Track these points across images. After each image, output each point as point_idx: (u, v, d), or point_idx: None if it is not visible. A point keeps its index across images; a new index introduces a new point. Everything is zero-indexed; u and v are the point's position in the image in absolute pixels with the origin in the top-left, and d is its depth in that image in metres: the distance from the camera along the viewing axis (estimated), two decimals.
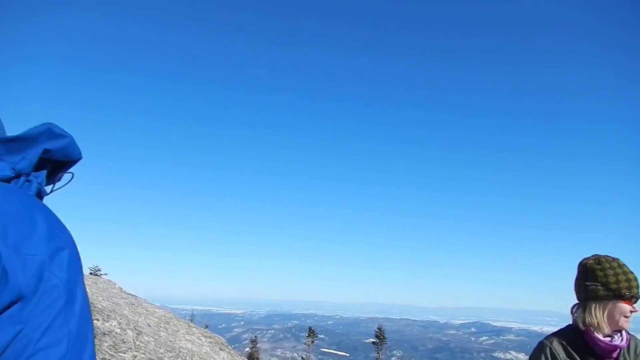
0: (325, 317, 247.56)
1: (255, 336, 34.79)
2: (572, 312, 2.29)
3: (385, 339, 23.35)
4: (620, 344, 2.17)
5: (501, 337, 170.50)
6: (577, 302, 2.29)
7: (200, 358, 6.62)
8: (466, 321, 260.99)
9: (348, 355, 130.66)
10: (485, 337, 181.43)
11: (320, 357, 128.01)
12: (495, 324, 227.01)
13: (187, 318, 31.37)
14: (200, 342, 7.40)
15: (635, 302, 2.18)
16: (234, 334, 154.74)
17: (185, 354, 6.28)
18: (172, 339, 6.73)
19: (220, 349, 7.79)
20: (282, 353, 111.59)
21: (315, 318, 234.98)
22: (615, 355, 2.18)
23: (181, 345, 6.70)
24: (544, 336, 2.34)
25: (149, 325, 6.74)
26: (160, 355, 5.06)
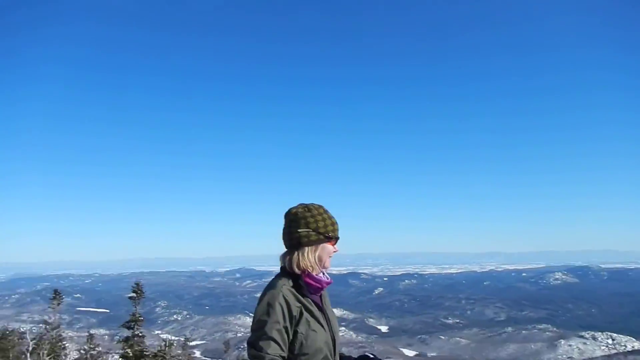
0: (83, 276, 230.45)
1: None
2: (282, 258, 2.54)
3: (144, 292, 22.56)
4: (330, 280, 2.55)
5: (263, 279, 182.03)
6: (287, 249, 2.54)
7: None
8: (231, 268, 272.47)
9: (108, 311, 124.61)
10: (248, 281, 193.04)
11: (76, 316, 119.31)
12: (258, 268, 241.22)
13: None
14: None
15: (336, 243, 2.57)
16: None
17: None
18: None
19: None
20: (29, 317, 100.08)
21: (71, 278, 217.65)
22: (322, 292, 2.56)
23: None
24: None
25: None
26: None
